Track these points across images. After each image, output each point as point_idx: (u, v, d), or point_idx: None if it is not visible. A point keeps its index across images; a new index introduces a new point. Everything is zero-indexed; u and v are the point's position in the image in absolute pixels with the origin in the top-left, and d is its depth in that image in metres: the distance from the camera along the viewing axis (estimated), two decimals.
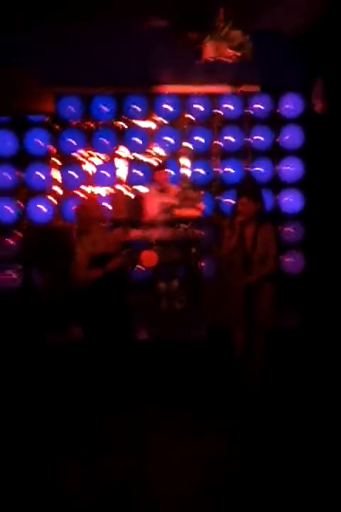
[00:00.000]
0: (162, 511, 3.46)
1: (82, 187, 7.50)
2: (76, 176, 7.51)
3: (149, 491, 3.67)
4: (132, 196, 7.37)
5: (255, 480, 3.77)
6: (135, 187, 7.60)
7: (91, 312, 4.72)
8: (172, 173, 7.35)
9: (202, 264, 6.82)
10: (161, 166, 7.00)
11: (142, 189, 7.38)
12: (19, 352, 5.49)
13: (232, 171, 7.74)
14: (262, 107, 7.78)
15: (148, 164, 7.63)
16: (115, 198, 7.28)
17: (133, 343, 5.07)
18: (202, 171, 7.72)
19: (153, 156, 7.68)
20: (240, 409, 4.64)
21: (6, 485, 3.78)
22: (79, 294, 4.81)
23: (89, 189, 7.50)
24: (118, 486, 3.74)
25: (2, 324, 5.92)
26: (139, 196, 7.18)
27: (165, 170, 6.92)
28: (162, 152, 7.68)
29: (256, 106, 7.78)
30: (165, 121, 7.75)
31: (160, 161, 7.29)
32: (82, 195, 7.49)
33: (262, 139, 7.78)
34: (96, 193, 7.46)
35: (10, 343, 5.63)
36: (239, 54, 7.53)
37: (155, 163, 7.47)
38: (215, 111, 7.80)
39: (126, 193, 7.49)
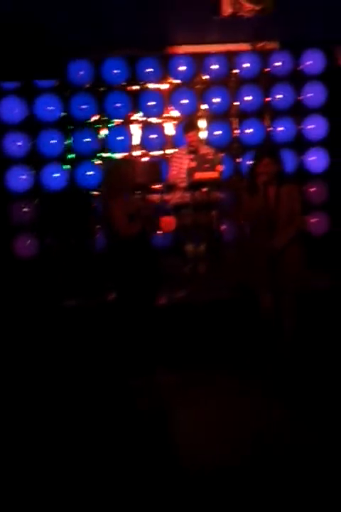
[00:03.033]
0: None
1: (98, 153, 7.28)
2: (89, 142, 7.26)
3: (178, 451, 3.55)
4: (149, 161, 7.13)
5: (283, 440, 3.64)
6: (151, 151, 7.38)
7: (123, 275, 4.57)
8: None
9: (223, 227, 6.59)
10: (192, 126, 6.61)
11: (170, 151, 7.14)
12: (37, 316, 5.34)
13: (252, 132, 7.43)
14: (282, 65, 7.43)
15: (164, 127, 7.41)
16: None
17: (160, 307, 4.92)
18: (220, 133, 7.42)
19: (169, 119, 7.45)
20: (268, 370, 4.49)
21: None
22: (112, 256, 4.66)
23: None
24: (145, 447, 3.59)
25: (20, 290, 5.79)
26: (157, 161, 6.93)
27: (195, 131, 6.58)
28: (178, 115, 7.44)
29: (275, 63, 7.44)
30: (181, 83, 7.47)
31: (192, 121, 6.89)
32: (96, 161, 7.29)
33: (284, 97, 7.42)
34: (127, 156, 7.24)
35: (28, 309, 5.47)
36: (258, 8, 7.13)
37: (172, 125, 7.21)
38: (233, 70, 7.50)
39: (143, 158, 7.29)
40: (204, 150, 6.60)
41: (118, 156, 7.26)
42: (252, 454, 3.49)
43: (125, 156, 7.23)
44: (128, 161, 6.15)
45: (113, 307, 4.70)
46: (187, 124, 6.70)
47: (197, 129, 6.68)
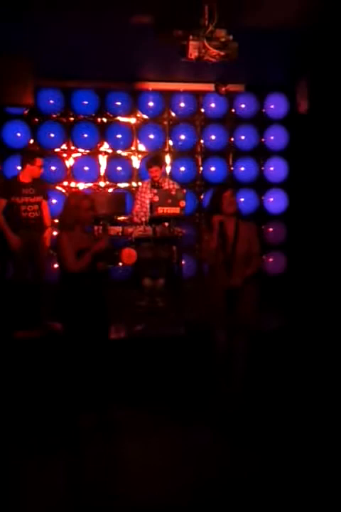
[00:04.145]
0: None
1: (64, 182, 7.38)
2: (56, 171, 7.34)
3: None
4: (114, 192, 7.27)
5: (234, 480, 3.68)
6: (117, 183, 7.52)
7: (70, 309, 4.51)
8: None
9: (183, 262, 6.71)
10: (155, 162, 6.74)
11: (128, 185, 7.27)
12: None
13: (215, 170, 7.64)
14: (247, 107, 7.71)
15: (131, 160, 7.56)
16: (96, 194, 7.10)
17: (111, 341, 4.89)
18: (184, 169, 7.62)
19: (135, 152, 7.61)
20: (220, 409, 4.52)
21: None
22: (60, 290, 4.59)
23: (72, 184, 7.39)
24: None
25: None
26: (121, 193, 7.06)
27: (158, 166, 6.69)
28: (144, 149, 7.61)
29: (240, 105, 7.71)
30: (148, 118, 7.66)
31: (155, 156, 7.02)
32: (62, 190, 7.38)
33: (247, 138, 7.71)
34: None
35: None
36: (223, 53, 7.34)
37: (138, 160, 7.35)
38: (199, 109, 7.73)
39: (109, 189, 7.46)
40: (168, 185, 6.76)
41: (77, 187, 7.39)
42: (197, 491, 3.56)
43: (83, 189, 7.36)
44: (85, 193, 6.14)
45: (63, 341, 4.60)
46: (151, 159, 6.85)
47: (161, 165, 6.83)
